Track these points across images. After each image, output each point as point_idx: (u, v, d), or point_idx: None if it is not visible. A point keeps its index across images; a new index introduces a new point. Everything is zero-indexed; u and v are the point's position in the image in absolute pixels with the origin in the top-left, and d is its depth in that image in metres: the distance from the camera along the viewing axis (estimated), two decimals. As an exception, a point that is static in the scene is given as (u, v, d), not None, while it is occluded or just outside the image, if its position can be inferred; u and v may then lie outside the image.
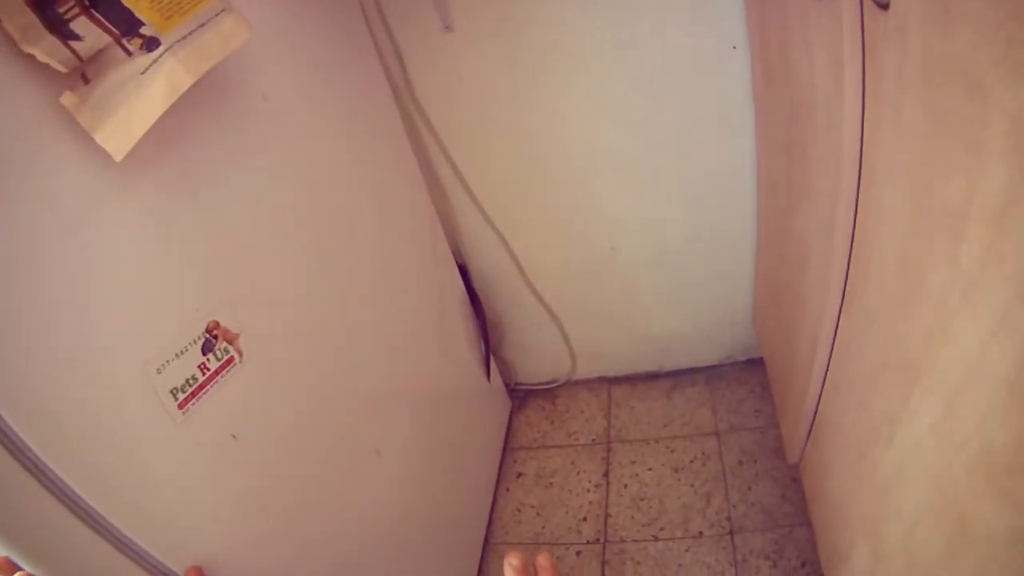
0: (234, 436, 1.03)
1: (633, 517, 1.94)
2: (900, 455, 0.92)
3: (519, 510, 2.08)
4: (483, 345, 2.05)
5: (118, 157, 0.79)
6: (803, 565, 1.70)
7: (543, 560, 0.77)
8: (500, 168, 1.87)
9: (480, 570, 1.92)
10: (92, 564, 0.81)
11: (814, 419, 1.39)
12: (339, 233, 1.36)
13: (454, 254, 1.98)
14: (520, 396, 2.45)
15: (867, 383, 1.04)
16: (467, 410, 2.01)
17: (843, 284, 1.10)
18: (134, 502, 0.86)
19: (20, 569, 0.73)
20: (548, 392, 2.43)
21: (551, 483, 2.12)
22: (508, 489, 2.15)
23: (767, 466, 1.94)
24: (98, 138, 0.78)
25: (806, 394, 1.36)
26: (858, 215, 1.02)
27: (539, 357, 2.37)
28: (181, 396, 0.93)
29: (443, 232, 1.89)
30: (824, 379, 1.28)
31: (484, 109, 1.76)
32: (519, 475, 2.18)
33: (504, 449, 2.26)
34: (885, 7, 0.79)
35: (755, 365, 2.23)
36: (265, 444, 1.11)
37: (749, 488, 1.90)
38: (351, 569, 1.33)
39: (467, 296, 2.01)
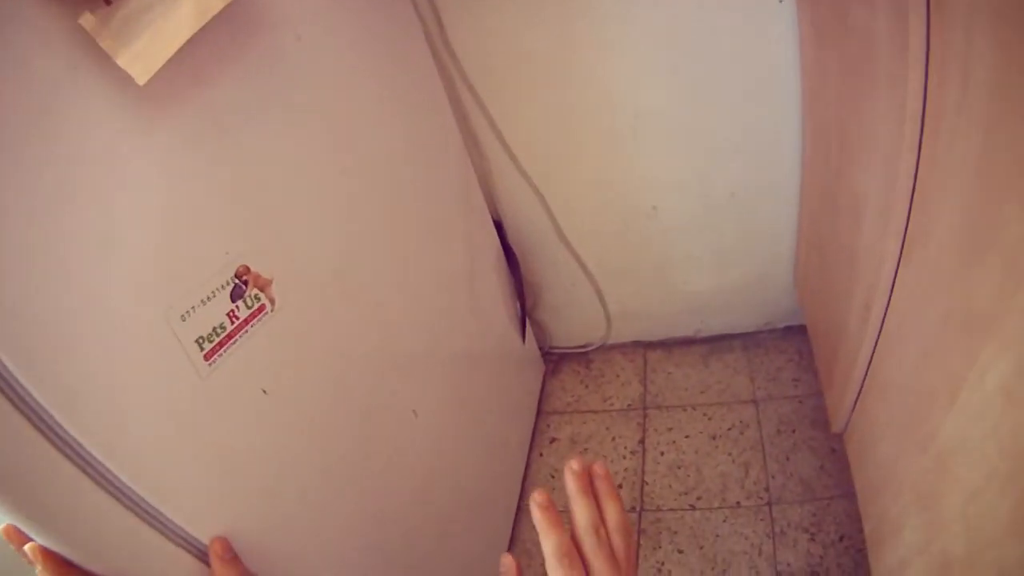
0: (264, 391, 0.97)
1: (670, 485, 1.90)
2: (963, 418, 0.87)
3: (552, 476, 2.04)
4: (518, 305, 2.00)
5: (141, 80, 0.73)
6: (841, 539, 1.66)
7: (599, 468, 0.78)
8: (538, 123, 1.81)
9: (513, 536, 1.89)
10: (108, 530, 0.75)
11: (863, 384, 1.33)
12: (373, 182, 1.31)
13: (490, 211, 1.93)
14: (554, 360, 2.40)
15: (927, 340, 0.98)
16: (500, 372, 1.96)
17: (902, 236, 1.04)
18: (154, 463, 0.80)
19: (28, 540, 0.70)
20: (582, 356, 2.39)
21: (586, 448, 2.08)
22: (541, 454, 2.11)
23: (805, 436, 1.89)
24: (120, 61, 0.72)
25: (856, 357, 1.30)
26: (920, 168, 0.96)
27: (574, 319, 2.32)
28: (207, 346, 0.86)
29: (479, 188, 1.83)
30: (877, 340, 1.21)
31: (523, 62, 1.71)
32: (553, 440, 2.14)
33: (538, 413, 2.22)
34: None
35: (794, 333, 2.18)
36: (298, 400, 1.05)
37: (787, 458, 1.85)
38: (382, 535, 1.29)
39: (503, 253, 1.96)
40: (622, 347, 2.37)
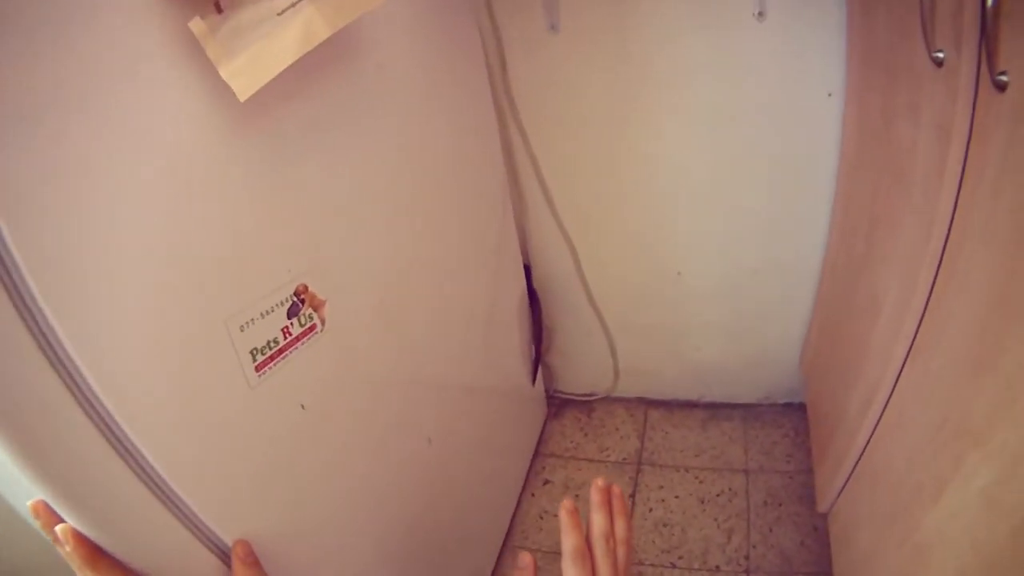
0: (303, 407, 0.99)
1: (654, 542, 1.95)
2: (943, 515, 0.93)
3: (541, 517, 2.09)
4: (534, 347, 2.07)
5: (243, 97, 0.76)
6: (815, 617, 1.70)
7: (617, 488, 0.96)
8: (580, 175, 1.90)
9: (495, 571, 1.92)
10: (140, 520, 0.76)
11: (853, 470, 1.40)
12: (422, 214, 1.36)
13: (521, 252, 1.99)
14: (557, 403, 2.45)
15: (921, 440, 1.04)
16: (506, 409, 2.01)
17: (911, 340, 1.11)
18: (193, 462, 0.81)
19: (57, 520, 0.70)
20: (586, 404, 2.44)
21: (577, 495, 2.12)
22: (533, 495, 2.15)
23: (791, 511, 1.94)
24: (223, 73, 0.75)
25: (851, 444, 1.36)
26: (938, 280, 1.03)
27: (583, 367, 2.38)
28: (260, 358, 0.89)
29: (515, 228, 1.90)
30: (873, 432, 1.28)
31: (575, 114, 1.79)
32: (546, 482, 2.19)
33: (535, 454, 2.26)
34: (1002, 89, 0.80)
35: (792, 410, 2.23)
36: (331, 418, 1.07)
37: (770, 530, 1.90)
38: (383, 552, 1.32)
39: (527, 295, 2.02)
40: (626, 401, 2.42)
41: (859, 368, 1.37)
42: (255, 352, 0.88)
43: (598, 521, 0.91)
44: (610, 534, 0.90)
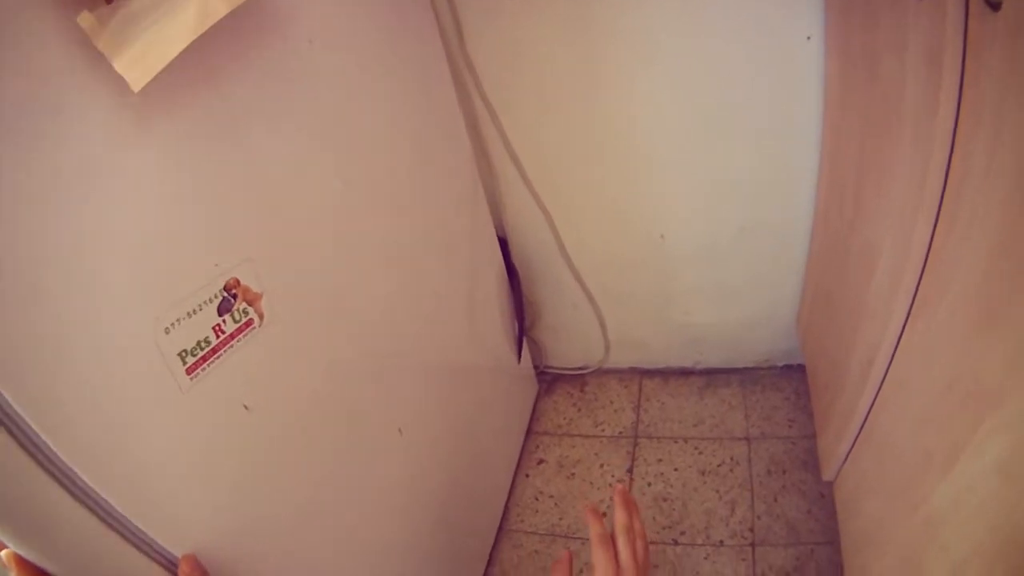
0: (246, 407, 0.94)
1: (654, 518, 1.87)
2: (956, 487, 0.85)
3: (537, 498, 2.02)
4: (517, 324, 1.99)
5: (136, 87, 0.70)
6: (824, 586, 1.63)
7: (632, 496, 1.07)
8: (552, 142, 1.80)
9: (491, 557, 1.87)
10: (82, 541, 0.74)
11: (858, 436, 1.31)
12: (377, 193, 1.28)
13: (496, 227, 1.91)
14: (548, 380, 2.38)
15: (928, 404, 0.96)
16: (493, 389, 1.94)
17: (912, 295, 1.02)
18: (130, 476, 0.78)
19: (3, 547, 0.69)
20: (578, 378, 2.37)
21: (573, 473, 2.06)
22: (528, 475, 2.09)
23: (796, 479, 1.87)
24: (117, 65, 0.69)
25: (854, 409, 1.28)
26: (938, 228, 0.94)
27: (572, 341, 2.30)
28: (190, 360, 0.84)
29: (486, 203, 1.82)
30: (876, 395, 1.19)
31: (542, 79, 1.69)
32: (540, 462, 2.12)
33: (527, 433, 2.20)
34: (996, 7, 0.71)
35: (792, 372, 2.16)
36: (281, 417, 1.03)
37: (775, 499, 1.83)
38: (362, 552, 1.27)
39: (505, 271, 1.94)
40: (619, 372, 2.34)
41: (858, 327, 1.29)
42: (184, 354, 0.83)
43: (620, 516, 1.01)
44: (631, 527, 1.00)
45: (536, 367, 2.33)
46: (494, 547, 1.89)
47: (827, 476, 1.53)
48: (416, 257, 1.44)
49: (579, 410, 2.25)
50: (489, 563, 1.85)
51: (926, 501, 0.94)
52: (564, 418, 2.24)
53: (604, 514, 1.02)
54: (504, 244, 1.95)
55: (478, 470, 1.82)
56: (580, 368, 2.36)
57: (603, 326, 2.20)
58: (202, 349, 0.86)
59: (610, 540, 0.98)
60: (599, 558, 0.96)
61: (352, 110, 1.21)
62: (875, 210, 1.20)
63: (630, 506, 1.03)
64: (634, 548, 0.98)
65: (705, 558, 1.76)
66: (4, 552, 0.69)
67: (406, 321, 1.40)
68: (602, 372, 2.35)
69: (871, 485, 1.24)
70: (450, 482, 1.62)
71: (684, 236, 1.91)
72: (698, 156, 1.74)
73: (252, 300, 0.93)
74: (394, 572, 1.39)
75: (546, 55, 1.64)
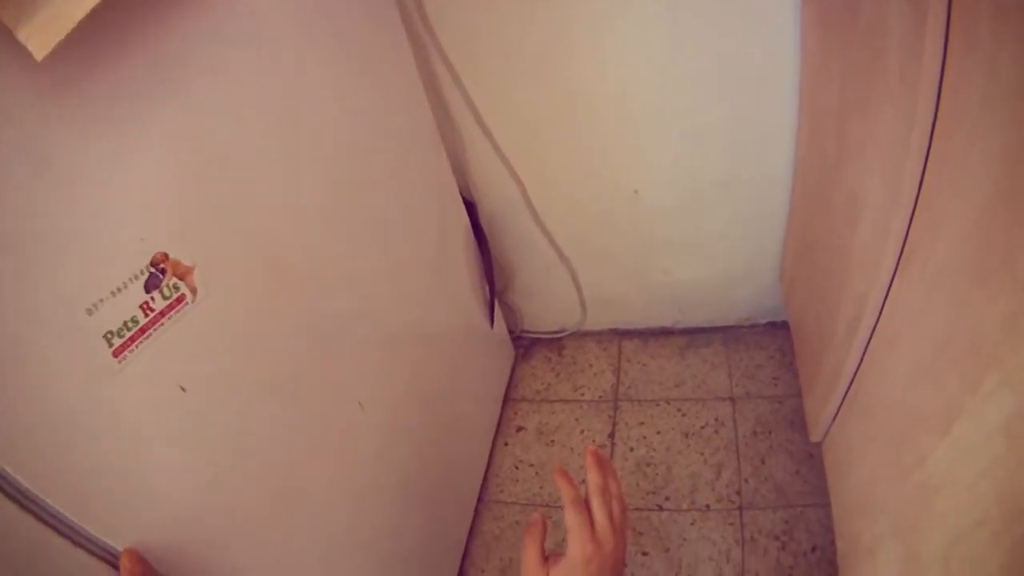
0: (183, 388, 0.88)
1: (638, 484, 1.82)
2: (956, 451, 0.79)
3: (517, 467, 1.96)
4: (487, 287, 1.91)
5: (39, 56, 0.64)
6: (814, 549, 1.59)
7: (605, 455, 1.02)
8: (518, 100, 1.70)
9: (472, 529, 1.82)
10: (14, 539, 0.70)
11: (846, 396, 1.25)
12: (322, 156, 1.19)
13: (462, 190, 1.82)
14: (525, 344, 2.31)
15: (922, 361, 0.90)
16: (466, 356, 1.87)
17: (901, 245, 0.95)
18: (60, 469, 0.73)
19: None
20: (555, 342, 2.30)
21: (552, 440, 2.01)
22: (507, 444, 2.03)
23: (782, 439, 1.81)
24: (20, 36, 0.63)
25: (841, 367, 1.22)
26: (928, 172, 0.87)
27: (548, 304, 2.23)
28: (117, 342, 0.78)
29: (449, 164, 1.72)
30: (864, 352, 1.13)
31: (503, 32, 1.59)
32: (519, 429, 2.06)
33: (505, 400, 2.13)
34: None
35: (776, 329, 2.10)
36: (223, 397, 0.97)
37: (762, 461, 1.78)
38: (330, 535, 1.22)
39: (472, 234, 1.86)
40: (597, 335, 2.28)
41: (843, 281, 1.22)
42: (110, 336, 0.77)
43: (593, 477, 0.95)
44: (605, 489, 0.94)
45: (512, 332, 2.25)
46: (474, 519, 1.84)
47: (815, 437, 1.47)
48: (372, 222, 1.36)
49: (557, 375, 2.19)
50: (470, 536, 1.81)
51: (921, 465, 0.88)
52: (542, 383, 2.18)
53: (582, 482, 0.95)
54: (471, 207, 1.86)
55: (453, 441, 1.76)
56: (557, 331, 2.29)
57: (578, 287, 2.13)
58: (129, 329, 0.79)
59: (583, 502, 0.94)
60: (573, 521, 0.91)
61: (294, 69, 1.12)
62: (859, 157, 1.13)
63: (604, 466, 0.97)
64: (610, 510, 0.93)
65: (692, 523, 1.72)
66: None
67: (364, 289, 1.33)
68: (580, 335, 2.29)
69: (861, 447, 1.19)
70: (422, 455, 1.56)
71: (659, 191, 1.83)
72: (670, 108, 1.65)
73: (183, 274, 0.86)
74: (370, 551, 1.35)
75: (509, 10, 1.55)
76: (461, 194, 1.80)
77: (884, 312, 1.04)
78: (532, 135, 1.77)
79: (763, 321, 2.13)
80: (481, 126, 1.74)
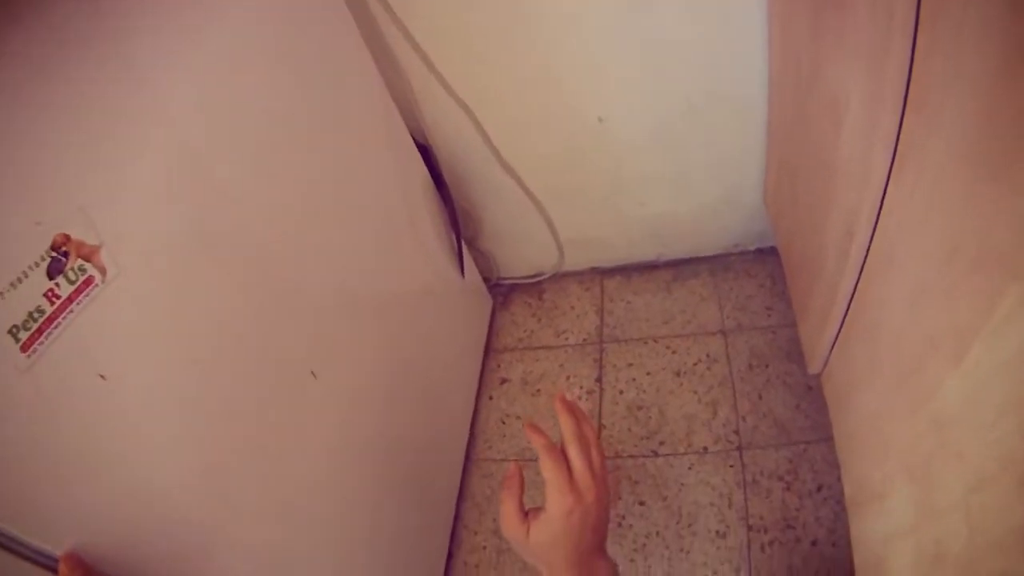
0: (103, 377, 0.80)
1: (630, 429, 1.72)
2: (972, 381, 0.67)
3: (503, 421, 1.87)
4: (454, 236, 1.79)
5: None
6: (819, 489, 1.50)
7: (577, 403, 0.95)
8: (461, 30, 1.57)
9: (461, 491, 1.73)
10: None
11: (843, 322, 1.13)
12: (255, 106, 1.09)
13: (415, 134, 1.70)
14: (503, 292, 2.21)
15: (926, 277, 0.78)
16: (438, 311, 1.76)
17: (893, 145, 0.82)
18: None
19: None
20: (534, 286, 2.19)
21: (538, 389, 1.91)
22: (491, 397, 1.93)
23: (779, 371, 1.71)
24: None
25: (836, 291, 1.10)
26: (917, 53, 0.74)
27: (522, 248, 2.12)
28: (24, 335, 0.72)
29: (395, 107, 1.59)
30: (861, 272, 1.01)
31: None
32: (503, 381, 1.96)
33: (486, 352, 2.03)
34: None
35: (766, 255, 1.99)
36: (150, 383, 0.88)
37: (760, 397, 1.68)
38: (300, 516, 1.14)
39: (431, 182, 1.73)
40: (578, 275, 2.17)
41: (830, 196, 1.09)
42: (16, 330, 0.72)
43: (567, 424, 0.89)
44: (581, 435, 0.88)
45: (488, 280, 2.13)
46: (463, 479, 1.76)
47: (813, 369, 1.36)
48: (315, 176, 1.26)
49: (539, 320, 2.08)
50: (460, 497, 1.73)
51: (931, 398, 0.77)
52: (524, 331, 2.07)
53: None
54: (426, 152, 1.74)
55: (433, 401, 1.67)
56: (535, 276, 2.17)
57: (552, 228, 2.01)
58: (36, 320, 0.74)
59: (559, 451, 0.88)
60: (549, 472, 0.86)
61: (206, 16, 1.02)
62: (837, 54, 0.99)
63: (576, 412, 0.92)
64: (588, 457, 0.88)
65: (689, 468, 1.63)
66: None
67: (312, 249, 1.23)
68: (559, 277, 2.18)
69: (864, 377, 1.08)
70: (401, 420, 1.48)
71: (626, 118, 1.70)
72: (631, 26, 1.50)
73: (88, 255, 0.80)
74: (354, 523, 1.29)
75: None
76: (415, 139, 1.68)
77: (879, 225, 0.91)
78: (483, 68, 1.64)
79: (751, 248, 2.02)
80: (425, 62, 1.61)
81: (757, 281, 1.94)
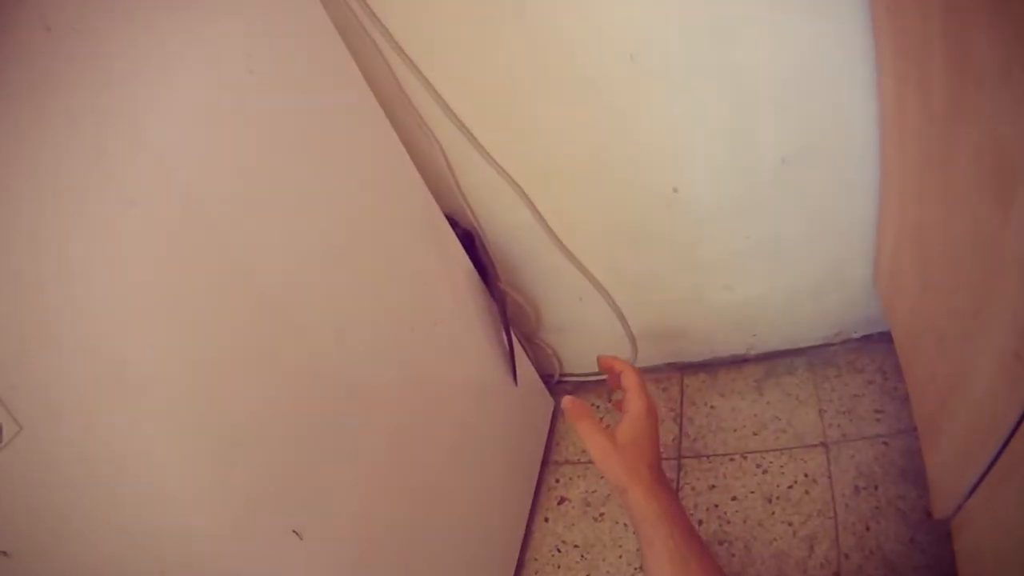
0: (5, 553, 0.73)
1: (710, 569, 1.41)
2: None
3: (559, 549, 1.59)
4: (504, 335, 1.54)
5: None
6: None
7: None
8: (501, 95, 1.35)
9: None
10: None
11: (997, 458, 0.82)
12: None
13: (456, 218, 1.50)
14: (568, 391, 1.93)
15: None
16: (486, 416, 1.51)
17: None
18: None
19: None
20: (603, 384, 1.91)
21: (602, 514, 1.62)
22: (547, 519, 1.66)
23: (891, 495, 1.39)
24: None
25: (992, 421, 0.79)
26: None
27: (587, 341, 1.85)
28: None
29: (425, 186, 1.37)
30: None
31: (467, 10, 1.24)
32: (562, 501, 1.69)
33: (543, 464, 1.76)
34: None
35: (874, 344, 1.67)
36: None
37: (867, 528, 1.36)
38: None
39: (475, 272, 1.50)
40: (653, 371, 1.89)
41: (991, 286, 0.77)
42: None
43: (617, 364, 1.08)
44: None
45: (549, 379, 1.89)
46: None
47: (940, 513, 1.05)
48: (332, 279, 1.10)
49: (607, 426, 1.78)
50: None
51: None
52: (589, 440, 1.78)
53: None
54: (471, 238, 1.52)
55: (477, 521, 1.44)
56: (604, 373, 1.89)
57: (621, 317, 1.73)
58: None
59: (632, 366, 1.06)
60: (630, 381, 1.03)
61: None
62: (995, 88, 0.70)
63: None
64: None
65: (777, 622, 1.31)
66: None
67: (334, 355, 1.08)
68: (634, 373, 1.88)
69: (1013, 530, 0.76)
70: (434, 545, 1.28)
71: (706, 184, 1.43)
72: (701, 68, 1.25)
73: None
74: None
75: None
76: (457, 223, 1.48)
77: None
78: (530, 139, 1.42)
79: (856, 335, 1.71)
80: (463, 131, 1.39)
81: (864, 377, 1.63)
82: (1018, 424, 0.73)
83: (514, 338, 1.56)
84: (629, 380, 1.01)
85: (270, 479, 0.91)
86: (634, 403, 0.99)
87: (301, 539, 0.95)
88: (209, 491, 0.84)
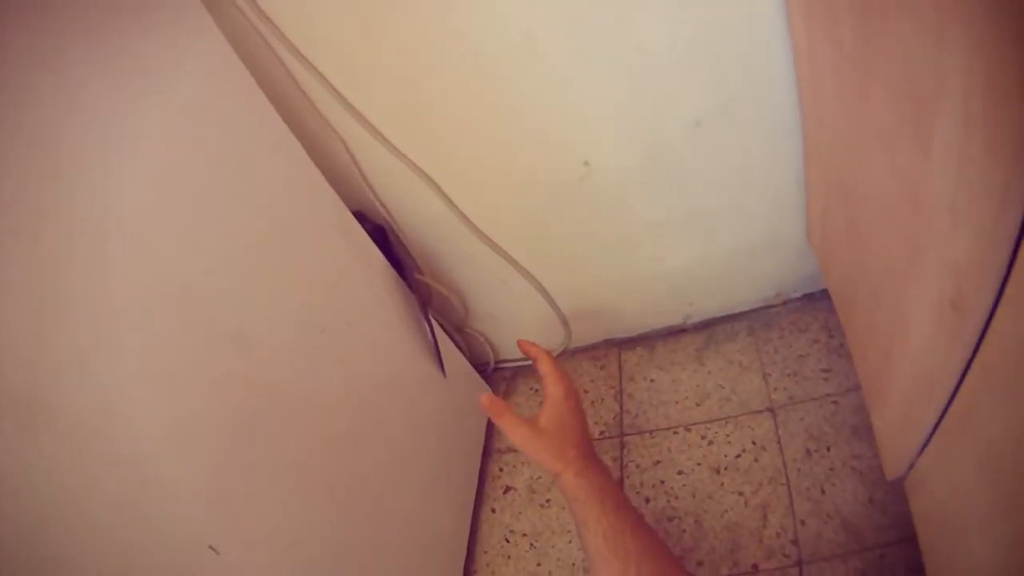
0: None
1: (660, 547, 1.37)
2: None
3: (507, 539, 1.54)
4: (427, 326, 1.47)
5: None
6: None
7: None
8: (399, 85, 1.28)
9: None
10: None
11: (942, 418, 0.77)
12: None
13: (367, 213, 1.45)
14: (506, 378, 1.88)
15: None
16: (419, 416, 1.45)
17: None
18: None
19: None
20: (539, 369, 1.84)
21: (548, 500, 1.57)
22: (494, 510, 1.61)
23: (845, 454, 1.36)
24: None
25: (931, 378, 0.74)
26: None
27: (519, 325, 1.79)
28: None
29: (327, 184, 1.30)
30: (977, 347, 0.64)
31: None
32: (507, 489, 1.64)
33: (485, 453, 1.70)
34: None
35: (816, 301, 1.63)
36: None
37: (822, 491, 1.33)
38: None
39: (390, 267, 1.43)
40: (590, 350, 1.84)
41: (918, 236, 0.72)
42: None
43: (533, 349, 1.11)
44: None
45: (485, 367, 1.85)
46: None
47: (891, 473, 1.01)
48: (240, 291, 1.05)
49: (530, 417, 1.75)
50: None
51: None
52: (530, 425, 1.72)
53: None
54: (383, 233, 1.48)
55: (420, 520, 1.39)
56: (540, 355, 1.84)
57: (549, 299, 1.68)
58: None
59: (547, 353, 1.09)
60: (546, 367, 1.06)
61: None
62: (908, 22, 0.64)
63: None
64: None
65: (737, 595, 1.28)
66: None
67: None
68: (569, 354, 1.85)
69: (969, 495, 0.73)
70: (379, 540, 1.24)
71: (616, 155, 1.36)
72: (603, 32, 1.17)
73: None
74: None
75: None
76: (367, 218, 1.44)
77: (1004, 294, 0.56)
78: (431, 122, 1.34)
79: (796, 295, 1.67)
80: (367, 127, 1.33)
81: (809, 336, 1.59)
82: (962, 378, 0.67)
83: (437, 329, 1.50)
84: (544, 366, 1.05)
85: (184, 495, 0.87)
86: (552, 388, 1.02)
87: (218, 554, 0.89)
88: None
